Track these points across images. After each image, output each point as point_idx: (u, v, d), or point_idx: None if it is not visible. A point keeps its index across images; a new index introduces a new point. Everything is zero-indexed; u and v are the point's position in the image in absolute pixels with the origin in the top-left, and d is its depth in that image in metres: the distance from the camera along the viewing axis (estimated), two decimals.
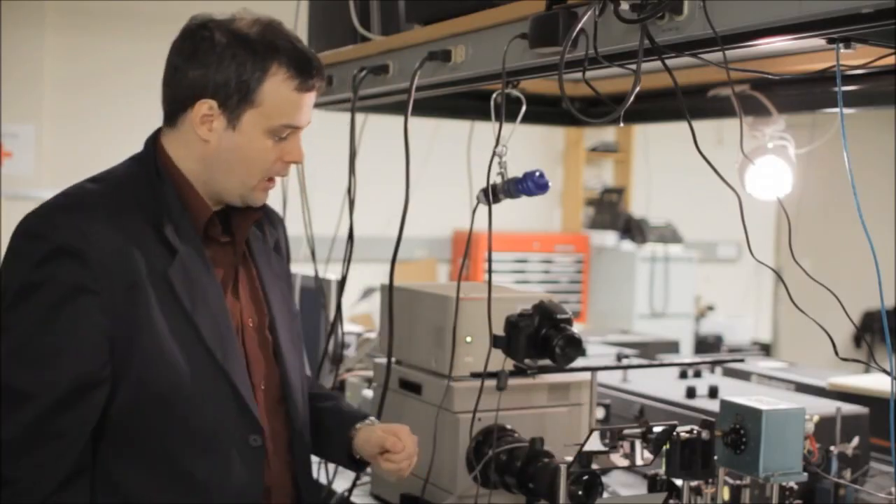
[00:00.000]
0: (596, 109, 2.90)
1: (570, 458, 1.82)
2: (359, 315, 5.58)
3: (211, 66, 1.66)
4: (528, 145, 6.53)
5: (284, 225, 2.02)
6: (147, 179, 1.71)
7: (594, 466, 1.83)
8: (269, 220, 1.93)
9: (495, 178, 2.01)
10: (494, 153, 1.99)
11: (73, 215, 1.62)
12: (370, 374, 2.73)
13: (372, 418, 1.94)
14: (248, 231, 1.83)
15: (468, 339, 2.11)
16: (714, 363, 3.09)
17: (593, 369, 2.19)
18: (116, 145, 4.92)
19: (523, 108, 2.09)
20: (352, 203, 2.40)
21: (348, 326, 3.50)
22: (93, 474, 1.63)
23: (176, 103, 1.72)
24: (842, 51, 1.50)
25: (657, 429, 1.80)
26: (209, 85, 1.67)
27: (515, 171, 2.03)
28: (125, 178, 1.72)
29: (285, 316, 1.85)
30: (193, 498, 1.66)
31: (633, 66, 1.58)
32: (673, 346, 3.86)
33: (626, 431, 1.80)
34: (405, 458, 1.84)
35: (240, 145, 1.70)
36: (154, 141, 1.76)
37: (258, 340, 1.79)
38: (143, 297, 1.61)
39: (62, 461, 1.58)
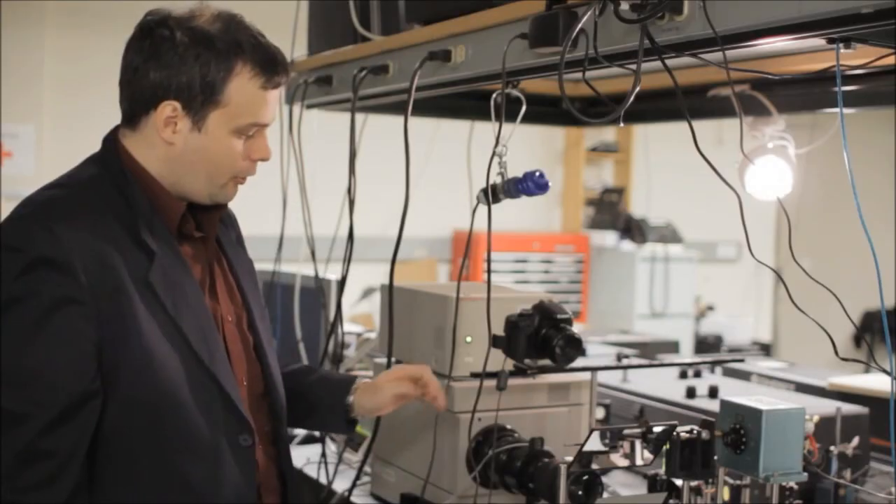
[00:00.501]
0: (596, 109, 2.90)
1: (570, 458, 1.82)
2: (359, 315, 5.58)
3: (173, 67, 1.61)
4: (528, 145, 6.52)
5: (236, 218, 1.96)
6: (112, 181, 1.65)
7: (594, 466, 1.83)
8: (226, 216, 1.89)
9: (495, 178, 2.01)
10: (494, 153, 1.99)
11: (46, 223, 1.54)
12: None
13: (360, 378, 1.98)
14: (217, 225, 1.79)
15: (468, 339, 2.11)
16: (714, 363, 3.09)
17: (593, 369, 2.19)
18: None
19: (523, 108, 2.09)
20: (352, 203, 2.40)
21: (348, 326, 3.50)
22: (90, 489, 1.58)
23: (137, 105, 1.67)
24: (842, 51, 1.50)
25: (657, 429, 1.80)
26: (172, 86, 1.62)
27: (515, 171, 2.03)
28: (90, 181, 1.66)
29: (259, 310, 1.84)
30: (187, 501, 1.63)
31: (633, 66, 1.58)
32: (673, 346, 3.87)
33: (626, 431, 1.80)
34: (436, 386, 1.92)
35: (206, 146, 1.65)
36: (114, 141, 1.71)
37: (238, 337, 1.77)
38: (126, 302, 1.57)
39: (59, 480, 1.53)
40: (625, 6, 1.57)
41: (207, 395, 1.64)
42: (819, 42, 1.51)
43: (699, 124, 1.66)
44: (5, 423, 1.50)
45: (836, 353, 1.67)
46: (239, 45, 1.63)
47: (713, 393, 2.57)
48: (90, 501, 1.57)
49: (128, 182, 1.66)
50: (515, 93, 2.09)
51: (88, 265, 1.54)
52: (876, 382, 2.60)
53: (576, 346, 1.97)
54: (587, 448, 1.78)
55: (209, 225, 1.76)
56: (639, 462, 1.81)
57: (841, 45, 1.49)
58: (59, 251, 1.52)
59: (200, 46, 1.61)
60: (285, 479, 1.82)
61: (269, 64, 1.66)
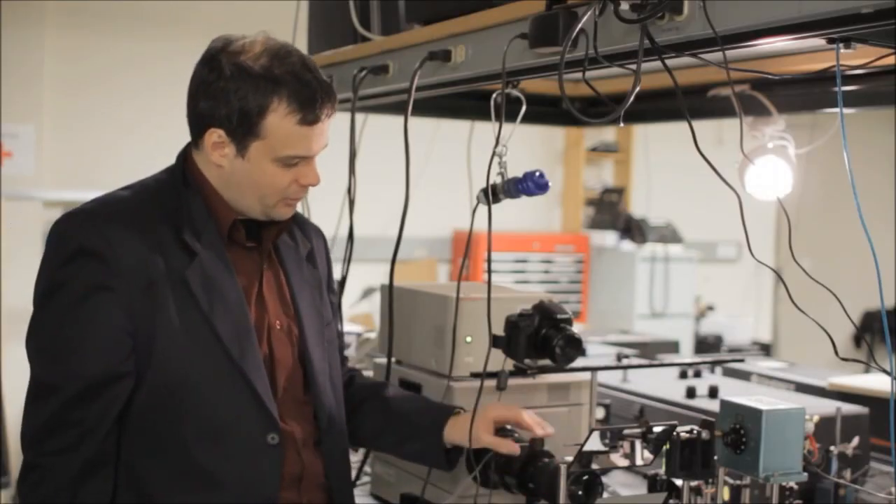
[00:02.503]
0: (596, 109, 2.90)
1: (570, 458, 1.82)
2: (359, 315, 5.58)
3: (217, 99, 1.70)
4: (528, 145, 6.52)
5: (324, 236, 2.07)
6: (174, 188, 1.78)
7: (594, 466, 1.83)
8: (301, 231, 1.97)
9: (495, 178, 2.02)
10: (494, 153, 1.99)
11: (96, 219, 1.70)
12: (370, 374, 2.73)
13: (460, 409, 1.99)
14: (276, 237, 1.87)
15: (468, 339, 2.11)
16: (714, 363, 3.09)
17: (593, 369, 2.19)
18: (116, 145, 4.93)
19: (523, 108, 2.09)
20: (352, 203, 2.40)
21: (348, 326, 3.50)
22: (117, 468, 1.71)
23: (193, 127, 1.77)
24: (842, 51, 1.50)
25: (657, 429, 1.80)
26: (216, 116, 1.71)
27: (515, 171, 2.03)
28: (155, 186, 1.80)
29: (314, 321, 1.89)
30: (210, 494, 1.71)
31: (633, 66, 1.58)
32: (673, 346, 3.86)
33: (626, 431, 1.80)
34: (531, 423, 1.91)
35: (250, 172, 1.74)
36: (184, 154, 1.82)
37: (285, 342, 1.84)
38: (159, 296, 1.68)
39: (81, 449, 1.66)
40: (625, 6, 1.57)
41: (235, 391, 1.72)
42: (819, 42, 1.51)
43: (699, 124, 1.66)
44: (37, 393, 1.68)
45: (836, 353, 1.67)
46: (277, 81, 1.69)
47: (713, 393, 2.57)
48: (116, 484, 1.70)
49: (188, 190, 1.77)
50: (515, 93, 2.09)
51: (127, 258, 1.67)
52: (876, 382, 2.60)
53: (576, 346, 1.97)
54: (587, 448, 1.78)
55: (267, 235, 1.85)
56: (639, 462, 1.81)
57: (841, 45, 1.49)
58: (99, 243, 1.66)
59: (240, 80, 1.69)
60: (330, 477, 1.86)
61: (307, 102, 1.70)
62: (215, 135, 1.72)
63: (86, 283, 1.66)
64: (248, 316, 1.76)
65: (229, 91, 1.69)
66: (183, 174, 1.79)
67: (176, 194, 1.77)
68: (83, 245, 1.66)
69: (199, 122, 1.74)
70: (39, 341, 1.70)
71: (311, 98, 1.71)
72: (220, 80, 1.69)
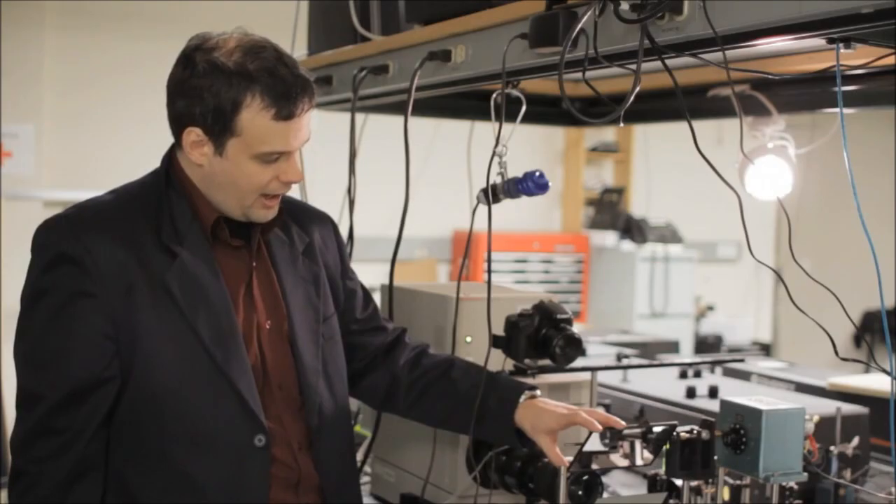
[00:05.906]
0: (596, 109, 2.90)
1: (570, 458, 1.82)
2: None
3: (192, 97, 1.68)
4: (528, 145, 6.52)
5: (332, 223, 2.02)
6: (158, 189, 1.76)
7: (594, 466, 1.83)
8: (300, 224, 1.93)
9: (495, 178, 2.02)
10: (494, 153, 1.99)
11: (75, 225, 1.69)
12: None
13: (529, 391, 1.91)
14: (264, 234, 1.84)
15: (468, 339, 2.11)
16: (714, 363, 3.09)
17: (593, 369, 2.19)
18: (116, 145, 4.93)
19: (523, 108, 2.09)
20: (352, 203, 2.40)
21: None
22: (106, 474, 1.71)
23: (172, 126, 1.75)
24: (842, 51, 1.50)
25: (657, 429, 1.80)
26: (192, 114, 1.68)
27: (515, 171, 2.03)
28: (138, 189, 1.79)
29: (307, 318, 1.86)
30: (197, 498, 1.69)
31: (633, 66, 1.58)
32: (673, 346, 3.86)
33: (626, 431, 1.80)
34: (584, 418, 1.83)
35: (229, 170, 1.71)
36: (169, 154, 1.81)
37: (277, 342, 1.81)
38: (140, 301, 1.68)
39: (68, 455, 1.66)
40: (625, 6, 1.57)
41: (220, 395, 1.71)
42: (819, 42, 1.51)
43: (699, 124, 1.66)
44: (24, 400, 1.68)
45: (836, 353, 1.67)
46: (251, 77, 1.66)
47: (713, 393, 2.57)
48: (105, 489, 1.70)
49: (172, 191, 1.76)
50: (515, 93, 2.09)
51: (106, 264, 1.66)
52: (876, 382, 2.60)
53: (576, 346, 1.97)
54: (587, 448, 1.78)
55: (255, 234, 1.82)
56: (639, 462, 1.81)
57: (841, 45, 1.49)
58: (77, 249, 1.66)
59: (213, 77, 1.66)
60: (323, 480, 1.83)
61: (282, 96, 1.67)
62: (193, 133, 1.69)
63: (66, 290, 1.66)
64: (233, 318, 1.73)
65: (203, 88, 1.66)
66: (167, 175, 1.77)
67: (159, 196, 1.75)
68: (62, 252, 1.66)
69: (177, 121, 1.72)
70: (24, 349, 1.70)
71: (286, 93, 1.67)
72: (193, 77, 1.67)
